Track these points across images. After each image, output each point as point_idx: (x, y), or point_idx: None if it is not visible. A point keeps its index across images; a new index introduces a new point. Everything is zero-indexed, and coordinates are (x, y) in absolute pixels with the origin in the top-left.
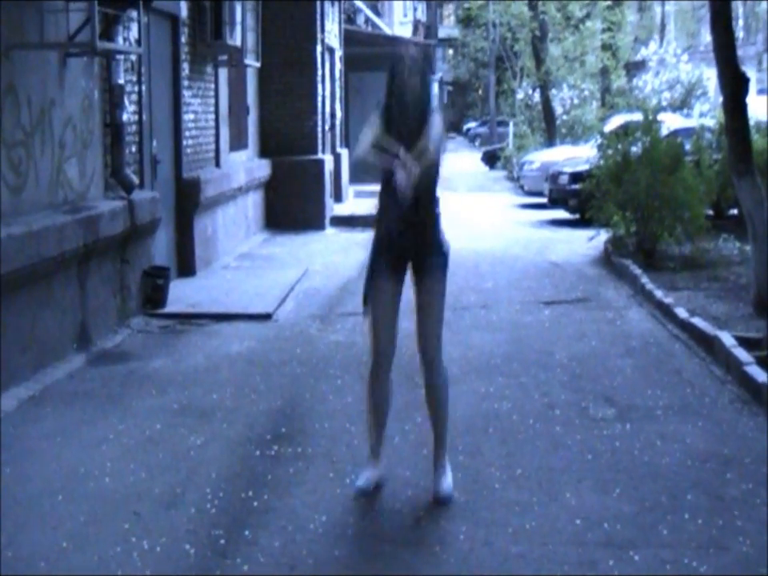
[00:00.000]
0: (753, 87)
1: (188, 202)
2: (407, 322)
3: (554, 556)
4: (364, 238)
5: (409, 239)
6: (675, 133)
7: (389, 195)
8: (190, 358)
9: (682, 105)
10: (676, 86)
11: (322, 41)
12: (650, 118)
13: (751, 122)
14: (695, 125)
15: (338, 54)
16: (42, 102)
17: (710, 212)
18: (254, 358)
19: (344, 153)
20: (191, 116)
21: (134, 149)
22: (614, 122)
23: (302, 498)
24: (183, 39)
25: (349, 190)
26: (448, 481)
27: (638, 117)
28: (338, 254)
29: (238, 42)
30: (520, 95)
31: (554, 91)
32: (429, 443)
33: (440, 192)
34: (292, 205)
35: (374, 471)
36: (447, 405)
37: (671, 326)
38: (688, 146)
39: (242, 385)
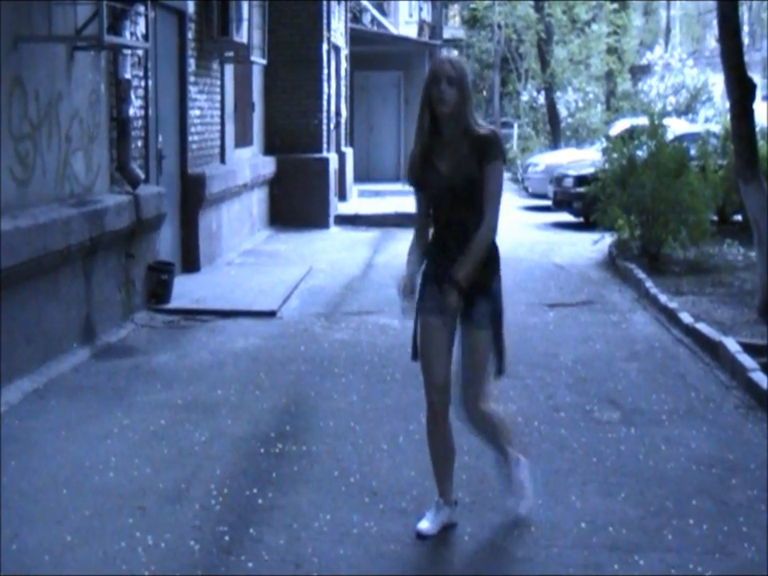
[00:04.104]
0: (758, 93)
1: (193, 197)
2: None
3: (559, 558)
4: (368, 237)
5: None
6: (680, 138)
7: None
8: (194, 354)
9: (687, 110)
10: (681, 91)
11: (328, 39)
12: (656, 122)
13: (756, 128)
14: (700, 130)
15: (344, 52)
16: (49, 95)
17: (715, 217)
18: (258, 355)
19: (348, 151)
20: (197, 112)
21: (139, 143)
22: (619, 126)
23: (307, 495)
24: (190, 35)
25: (353, 189)
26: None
27: (643, 121)
28: (342, 253)
29: (245, 39)
30: (525, 97)
31: (558, 94)
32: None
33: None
34: (296, 202)
35: (442, 512)
36: (490, 436)
37: (676, 330)
38: (693, 151)
39: (247, 382)
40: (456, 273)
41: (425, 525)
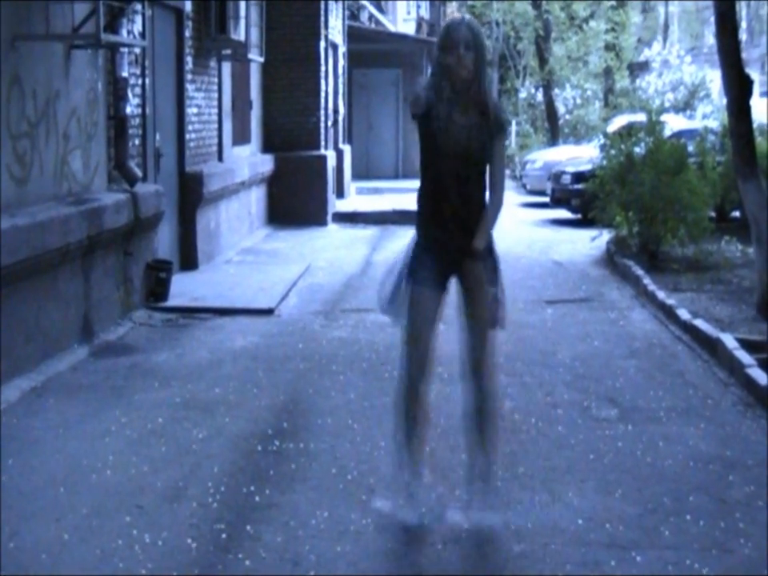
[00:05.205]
0: (756, 90)
1: (191, 195)
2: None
3: (556, 556)
4: (367, 235)
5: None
6: (678, 134)
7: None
8: (193, 352)
9: (685, 106)
10: (679, 88)
11: (326, 37)
12: (654, 119)
13: (754, 125)
14: (698, 126)
15: (342, 50)
16: (46, 94)
17: (713, 214)
18: (256, 353)
19: (346, 149)
20: (194, 110)
21: (137, 142)
22: (617, 123)
23: (305, 493)
24: (187, 33)
25: (351, 186)
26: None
27: (641, 118)
28: (340, 250)
29: (242, 37)
30: (523, 94)
31: (557, 91)
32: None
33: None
34: (295, 200)
35: (417, 495)
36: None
37: (674, 327)
38: (691, 148)
39: (245, 380)
40: (479, 246)
41: (414, 517)
